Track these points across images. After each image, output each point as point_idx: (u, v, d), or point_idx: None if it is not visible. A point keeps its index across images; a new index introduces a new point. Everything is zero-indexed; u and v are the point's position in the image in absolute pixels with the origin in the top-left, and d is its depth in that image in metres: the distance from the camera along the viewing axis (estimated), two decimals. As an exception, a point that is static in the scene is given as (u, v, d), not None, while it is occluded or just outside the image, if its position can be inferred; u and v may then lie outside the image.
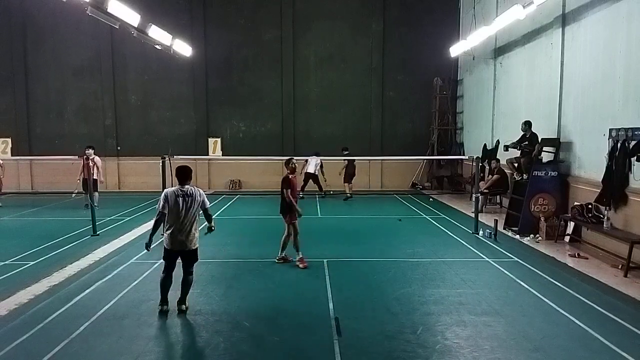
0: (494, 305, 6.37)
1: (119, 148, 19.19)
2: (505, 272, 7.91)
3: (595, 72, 9.51)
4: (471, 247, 9.62)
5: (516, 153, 11.61)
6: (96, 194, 14.06)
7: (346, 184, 16.49)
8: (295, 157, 9.35)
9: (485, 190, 13.40)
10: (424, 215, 13.31)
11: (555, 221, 10.16)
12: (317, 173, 16.07)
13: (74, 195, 14.69)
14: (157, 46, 14.17)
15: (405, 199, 16.40)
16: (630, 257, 7.69)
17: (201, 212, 6.28)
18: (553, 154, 10.96)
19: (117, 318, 5.96)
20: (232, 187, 18.99)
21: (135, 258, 8.69)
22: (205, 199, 6.31)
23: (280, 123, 19.26)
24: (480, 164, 11.74)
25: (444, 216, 13.08)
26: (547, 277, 7.58)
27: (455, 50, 16.19)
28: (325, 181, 16.43)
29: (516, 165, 11.62)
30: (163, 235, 6.20)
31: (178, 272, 6.21)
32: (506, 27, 12.29)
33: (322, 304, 6.45)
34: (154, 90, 19.16)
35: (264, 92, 19.18)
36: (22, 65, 18.67)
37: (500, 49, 14.82)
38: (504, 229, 11.11)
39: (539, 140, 10.90)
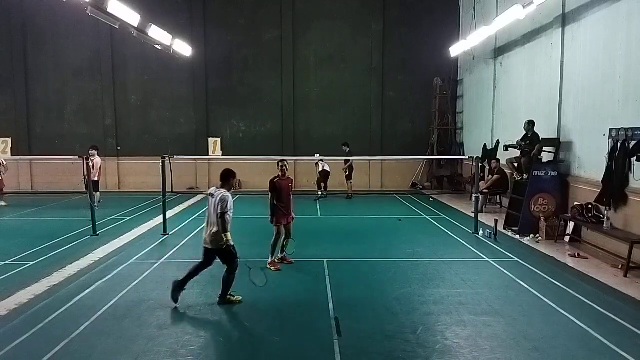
0: (494, 305, 6.37)
1: (119, 148, 19.19)
2: (505, 272, 7.91)
3: (595, 72, 9.51)
4: (471, 247, 9.62)
5: (516, 153, 11.61)
6: (98, 194, 14.13)
7: (349, 182, 16.61)
8: (294, 158, 9.33)
9: (485, 190, 13.41)
10: (424, 215, 13.31)
11: (555, 221, 10.16)
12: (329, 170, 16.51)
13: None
14: (157, 46, 14.17)
15: (405, 199, 16.40)
16: (630, 257, 7.70)
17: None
18: (553, 154, 10.96)
19: (117, 318, 5.96)
20: (232, 187, 18.94)
21: (135, 258, 8.68)
22: (223, 203, 6.24)
23: (280, 123, 19.27)
24: (480, 164, 11.74)
25: (444, 216, 13.08)
26: (547, 277, 7.58)
27: (455, 50, 16.19)
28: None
29: (516, 165, 11.61)
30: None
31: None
32: (506, 27, 12.29)
33: (322, 304, 6.46)
34: (154, 90, 19.17)
35: (264, 92, 19.19)
36: (22, 65, 18.67)
37: (500, 49, 14.82)
38: (504, 229, 11.12)
39: (540, 140, 10.91)
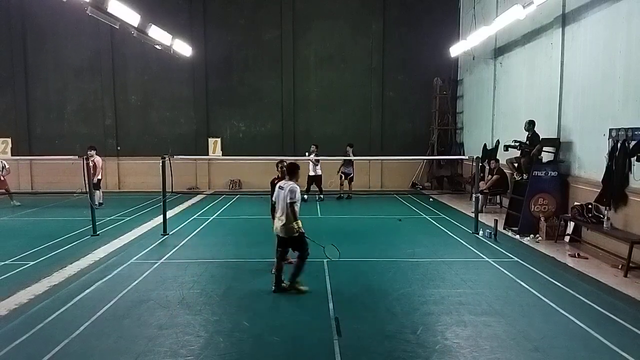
0: (494, 305, 6.37)
1: (119, 148, 19.19)
2: (505, 272, 7.91)
3: (595, 72, 9.51)
4: (471, 247, 9.62)
5: (516, 153, 11.61)
6: (99, 192, 14.13)
7: (350, 183, 16.52)
8: (293, 158, 9.32)
9: (485, 190, 13.41)
10: (424, 215, 13.31)
11: (555, 221, 10.16)
12: (320, 173, 15.99)
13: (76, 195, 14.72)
14: (157, 46, 14.17)
15: (405, 199, 16.40)
16: (630, 257, 7.69)
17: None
18: (553, 154, 10.95)
19: (117, 318, 5.96)
20: (232, 187, 18.99)
21: (135, 258, 8.68)
22: (292, 194, 6.69)
23: (280, 123, 19.27)
24: (480, 164, 11.74)
25: (444, 216, 13.08)
26: (547, 277, 7.58)
27: (455, 50, 16.19)
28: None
29: (516, 165, 11.61)
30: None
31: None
32: (506, 27, 12.29)
33: (322, 304, 6.46)
34: (154, 90, 19.17)
35: (264, 92, 19.19)
36: (22, 65, 18.68)
37: (500, 49, 14.81)
38: (504, 229, 11.11)
39: (540, 140, 10.90)
